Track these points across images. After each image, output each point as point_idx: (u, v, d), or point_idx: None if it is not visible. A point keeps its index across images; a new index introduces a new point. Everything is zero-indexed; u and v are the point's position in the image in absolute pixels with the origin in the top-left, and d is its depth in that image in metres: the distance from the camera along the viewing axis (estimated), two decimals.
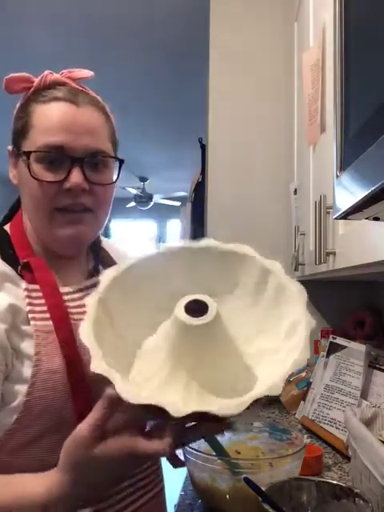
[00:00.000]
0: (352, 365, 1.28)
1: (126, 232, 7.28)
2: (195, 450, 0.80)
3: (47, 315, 0.71)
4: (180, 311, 0.50)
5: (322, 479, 0.75)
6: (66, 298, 0.76)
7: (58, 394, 0.68)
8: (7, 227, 0.81)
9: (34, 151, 0.71)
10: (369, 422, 0.92)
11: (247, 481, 0.71)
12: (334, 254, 1.05)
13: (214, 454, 0.80)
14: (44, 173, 0.72)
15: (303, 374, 1.61)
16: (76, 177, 0.72)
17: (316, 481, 0.74)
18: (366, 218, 0.57)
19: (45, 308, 0.71)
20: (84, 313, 0.66)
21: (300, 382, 1.57)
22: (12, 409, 0.66)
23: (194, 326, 0.49)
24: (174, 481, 1.36)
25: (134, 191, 5.98)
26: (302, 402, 1.48)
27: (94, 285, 0.73)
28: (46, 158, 0.72)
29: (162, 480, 0.87)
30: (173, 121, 4.07)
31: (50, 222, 0.74)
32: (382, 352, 1.31)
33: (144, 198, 6.11)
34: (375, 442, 0.73)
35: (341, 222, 0.99)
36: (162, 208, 6.37)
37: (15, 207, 0.85)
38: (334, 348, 1.38)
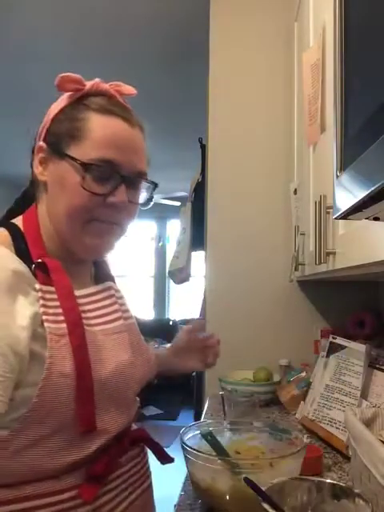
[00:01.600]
0: (352, 365, 1.28)
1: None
2: (195, 450, 0.81)
3: (60, 318, 0.70)
4: None
5: (322, 479, 0.75)
6: (78, 300, 0.76)
7: (65, 398, 0.68)
8: (18, 221, 0.79)
9: (93, 163, 0.73)
10: (369, 422, 0.92)
11: (247, 481, 0.71)
12: (333, 253, 1.05)
13: (214, 454, 0.81)
14: (92, 184, 0.73)
15: (303, 374, 1.61)
16: (123, 194, 0.75)
17: (316, 481, 0.74)
18: (366, 218, 0.57)
19: (58, 310, 0.71)
20: (93, 318, 0.74)
21: (300, 382, 1.57)
22: (20, 407, 0.65)
23: None
24: (174, 481, 1.36)
25: None
26: (301, 402, 1.48)
27: (103, 290, 0.81)
28: (98, 171, 0.73)
29: (149, 475, 0.89)
30: (173, 121, 4.07)
31: (82, 229, 0.75)
32: (382, 352, 1.31)
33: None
34: (375, 442, 0.73)
35: (341, 222, 0.99)
36: (162, 208, 6.36)
37: (23, 202, 0.85)
38: (333, 348, 1.38)
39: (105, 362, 0.74)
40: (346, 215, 0.57)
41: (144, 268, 7.60)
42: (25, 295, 0.68)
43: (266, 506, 0.65)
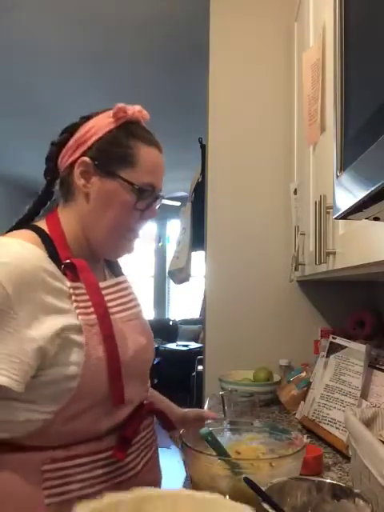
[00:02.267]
0: (352, 365, 1.28)
1: None
2: (195, 450, 0.81)
3: (90, 310, 0.82)
4: None
5: (322, 479, 0.75)
6: (103, 291, 0.88)
7: (102, 377, 0.81)
8: (43, 225, 0.88)
9: (144, 189, 0.89)
10: (369, 422, 0.92)
11: (247, 481, 0.71)
12: (333, 254, 1.05)
13: (214, 454, 0.82)
14: (140, 202, 0.89)
15: (303, 374, 1.61)
16: (156, 211, 0.95)
17: (316, 481, 0.74)
18: (366, 218, 0.57)
19: (88, 304, 0.82)
20: (113, 306, 0.89)
21: (300, 382, 1.57)
22: (68, 384, 0.78)
23: None
24: (173, 481, 1.36)
25: None
26: (302, 402, 1.48)
27: (121, 282, 0.96)
28: (147, 194, 0.90)
29: (156, 439, 1.03)
30: (173, 121, 4.07)
31: (120, 237, 0.91)
32: (382, 352, 1.31)
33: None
34: (375, 442, 0.73)
35: (341, 221, 0.99)
36: (162, 208, 6.36)
37: (41, 204, 0.96)
38: (333, 348, 1.38)
39: (127, 345, 0.87)
40: (345, 215, 0.57)
41: (144, 268, 7.60)
42: (56, 292, 0.79)
43: (266, 506, 0.65)
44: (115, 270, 1.04)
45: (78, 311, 0.81)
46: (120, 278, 0.98)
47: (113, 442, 0.86)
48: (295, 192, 1.77)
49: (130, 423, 0.90)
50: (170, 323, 7.16)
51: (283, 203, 1.91)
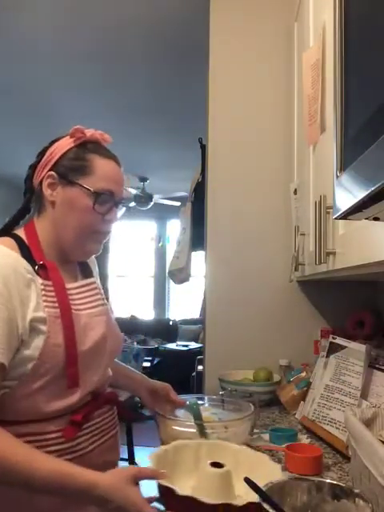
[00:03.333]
0: (352, 365, 1.28)
1: (126, 232, 7.29)
2: (163, 416, 1.13)
3: (55, 304, 0.96)
4: (208, 465, 0.85)
5: (322, 479, 0.75)
6: (70, 291, 1.03)
7: (58, 361, 0.94)
8: (20, 233, 1.03)
9: (101, 193, 1.01)
10: (369, 422, 0.92)
11: (247, 481, 0.71)
12: (333, 254, 1.05)
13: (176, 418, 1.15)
14: (98, 207, 1.02)
15: (303, 374, 1.61)
16: (116, 213, 1.07)
17: (316, 481, 0.74)
18: (366, 218, 0.57)
19: (54, 299, 0.96)
20: (83, 303, 1.04)
21: (300, 382, 1.57)
22: (27, 364, 0.91)
23: (216, 471, 0.84)
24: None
25: (133, 191, 5.98)
26: (301, 402, 1.48)
27: (88, 284, 1.09)
28: (103, 197, 1.02)
29: (116, 427, 1.14)
30: (173, 121, 4.07)
31: (86, 239, 1.04)
32: (382, 352, 1.31)
33: (144, 198, 6.10)
34: (375, 442, 0.73)
35: (341, 222, 0.99)
36: (162, 208, 6.36)
37: (20, 217, 1.10)
38: (334, 348, 1.38)
39: (87, 336, 1.01)
40: (345, 215, 0.57)
41: (144, 268, 7.60)
42: (31, 289, 0.94)
43: (266, 505, 0.65)
44: (86, 272, 1.17)
45: (45, 304, 0.95)
46: (88, 281, 1.11)
47: (63, 425, 0.97)
48: (295, 192, 1.77)
49: (82, 409, 1.01)
50: (170, 323, 7.16)
51: (283, 203, 1.91)
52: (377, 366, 1.26)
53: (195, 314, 6.50)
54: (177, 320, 7.13)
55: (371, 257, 0.76)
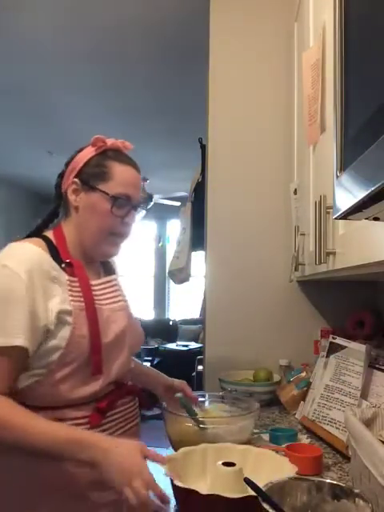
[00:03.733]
0: (352, 365, 1.28)
1: None
2: (170, 412, 1.18)
3: (81, 299, 1.05)
4: (220, 465, 0.88)
5: (322, 479, 0.75)
6: (94, 287, 1.12)
7: (83, 350, 1.03)
8: (49, 235, 1.13)
9: (118, 197, 1.10)
10: (369, 422, 0.92)
11: (248, 481, 0.71)
12: (333, 254, 1.05)
13: (186, 415, 1.18)
14: (116, 210, 1.11)
15: (303, 374, 1.61)
16: (134, 216, 1.15)
17: (316, 481, 0.74)
18: (366, 218, 0.57)
19: (80, 294, 1.06)
20: (106, 298, 1.13)
21: (300, 382, 1.57)
22: (54, 353, 1.00)
23: (229, 470, 0.87)
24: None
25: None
26: (301, 402, 1.48)
27: (110, 281, 1.19)
28: (120, 201, 1.11)
29: (137, 417, 1.23)
30: (173, 121, 4.07)
31: (105, 240, 1.13)
32: (382, 352, 1.31)
33: (144, 198, 6.11)
34: (375, 442, 0.73)
35: (341, 222, 0.99)
36: (162, 208, 6.36)
37: (49, 220, 1.20)
38: (334, 348, 1.38)
39: (110, 329, 1.09)
40: (345, 215, 0.57)
41: (144, 268, 7.60)
42: (58, 284, 1.04)
43: (266, 505, 0.65)
44: (109, 271, 1.26)
45: (70, 298, 1.04)
46: (110, 278, 1.20)
47: (89, 412, 1.06)
48: (295, 192, 1.77)
49: (106, 397, 1.10)
50: (170, 323, 7.16)
51: (283, 203, 1.91)
52: (377, 365, 1.26)
53: (195, 314, 6.49)
54: (177, 320, 7.13)
55: (371, 257, 0.76)
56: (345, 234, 0.97)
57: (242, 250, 1.94)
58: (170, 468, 0.87)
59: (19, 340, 0.94)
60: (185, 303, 7.25)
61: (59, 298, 1.02)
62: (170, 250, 6.68)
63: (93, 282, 1.12)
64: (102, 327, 1.06)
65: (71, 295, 1.04)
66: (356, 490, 0.69)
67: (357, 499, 0.67)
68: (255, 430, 1.28)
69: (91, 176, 1.12)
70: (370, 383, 1.24)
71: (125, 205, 1.11)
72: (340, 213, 0.59)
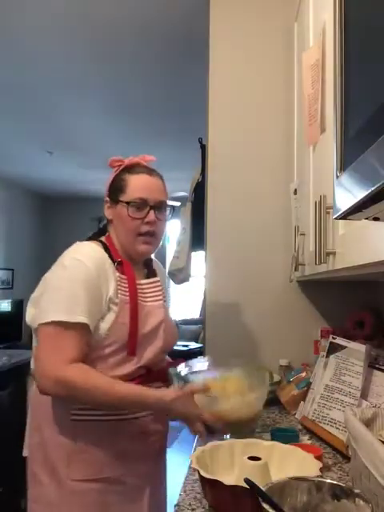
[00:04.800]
0: (352, 365, 1.28)
1: None
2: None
3: (127, 293, 1.24)
4: (246, 459, 0.92)
5: (322, 479, 0.75)
6: (140, 286, 1.30)
7: (123, 335, 1.21)
8: (103, 239, 1.32)
9: (132, 201, 1.27)
10: (369, 422, 0.92)
11: (247, 481, 0.71)
12: (333, 254, 1.05)
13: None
14: (135, 212, 1.27)
15: (303, 374, 1.61)
16: (151, 215, 1.28)
17: (316, 481, 0.74)
18: (366, 218, 0.57)
19: (126, 289, 1.25)
20: (148, 295, 1.32)
21: (300, 382, 1.57)
22: (100, 333, 1.19)
23: (256, 463, 0.91)
24: (174, 481, 1.38)
25: None
26: (301, 402, 1.48)
27: (154, 282, 1.37)
28: (137, 204, 1.27)
29: None
30: (173, 121, 4.07)
31: (135, 240, 1.29)
32: (382, 352, 1.31)
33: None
34: (375, 442, 0.73)
35: (341, 222, 0.99)
36: None
37: (102, 231, 1.39)
38: (334, 348, 1.38)
39: (148, 322, 1.27)
40: (345, 215, 0.57)
41: None
42: (111, 278, 1.23)
43: (265, 505, 0.65)
44: (152, 273, 1.42)
45: (119, 292, 1.23)
46: (154, 279, 1.38)
47: None
48: (295, 192, 1.77)
49: (136, 379, 1.23)
50: None
51: (283, 203, 1.90)
52: (377, 365, 1.26)
53: (195, 314, 6.49)
54: (177, 320, 7.13)
55: (371, 257, 0.76)
56: (345, 234, 0.97)
57: (242, 250, 1.94)
58: (196, 462, 0.93)
59: (82, 318, 1.13)
60: (185, 303, 7.25)
61: (111, 290, 1.21)
62: (170, 250, 6.68)
63: (140, 281, 1.32)
64: (141, 319, 1.24)
65: (120, 289, 1.23)
66: (356, 490, 0.69)
67: (357, 499, 0.67)
68: (256, 430, 1.28)
69: (114, 192, 1.31)
70: (370, 383, 1.24)
71: (141, 207, 1.27)
72: (340, 213, 0.59)
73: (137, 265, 1.36)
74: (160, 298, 1.36)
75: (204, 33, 2.05)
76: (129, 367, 1.23)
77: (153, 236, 1.30)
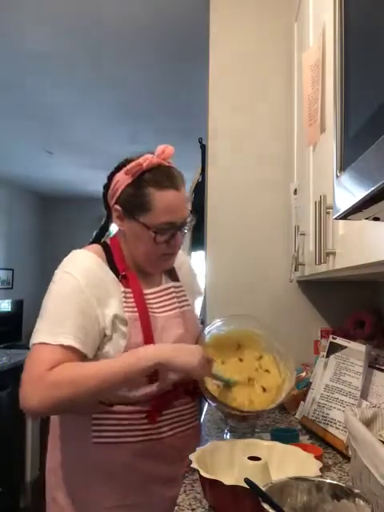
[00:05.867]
0: (352, 365, 1.28)
1: None
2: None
3: (135, 309, 1.11)
4: (246, 459, 0.92)
5: (322, 479, 0.75)
6: (149, 296, 1.17)
7: None
8: (109, 241, 1.20)
9: (158, 227, 1.10)
10: (369, 422, 0.92)
11: (247, 481, 0.71)
12: (333, 254, 1.05)
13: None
14: (160, 238, 1.11)
15: (303, 374, 1.61)
16: (179, 239, 1.16)
17: (316, 481, 0.74)
18: (366, 218, 0.57)
19: (133, 304, 1.11)
20: (160, 306, 1.17)
21: (300, 382, 1.57)
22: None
23: (256, 463, 0.91)
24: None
25: None
26: (301, 402, 1.48)
27: (164, 289, 1.21)
28: (163, 230, 1.11)
29: (199, 418, 1.28)
30: (173, 121, 4.07)
31: (156, 261, 1.17)
32: (382, 352, 1.31)
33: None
34: (375, 442, 0.73)
35: (341, 222, 0.99)
36: None
37: (105, 229, 1.26)
38: (334, 348, 1.38)
39: (165, 337, 1.14)
40: (345, 215, 0.57)
41: None
42: (114, 294, 1.10)
43: (265, 505, 0.65)
44: (173, 276, 1.29)
45: (125, 309, 1.10)
46: (166, 285, 1.23)
47: (147, 407, 1.12)
48: (295, 192, 1.77)
49: (163, 396, 1.14)
50: None
51: (283, 203, 1.90)
52: (377, 365, 1.26)
53: None
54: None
55: (371, 257, 0.76)
56: (345, 234, 0.97)
57: (242, 250, 1.94)
58: (196, 461, 0.93)
59: (65, 339, 1.01)
60: None
61: (114, 307, 1.09)
62: None
63: (147, 291, 1.17)
64: (157, 335, 1.12)
65: (126, 306, 1.10)
66: (356, 490, 0.69)
67: (357, 499, 0.67)
68: (256, 430, 1.28)
69: (131, 205, 1.12)
70: (370, 383, 1.24)
71: (168, 230, 1.12)
72: (340, 213, 0.59)
73: (152, 274, 1.23)
74: (175, 306, 1.21)
75: (204, 33, 2.05)
76: (150, 388, 1.12)
77: (174, 254, 1.20)
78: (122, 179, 1.13)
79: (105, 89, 3.54)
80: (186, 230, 1.19)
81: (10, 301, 5.72)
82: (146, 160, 1.11)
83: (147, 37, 2.79)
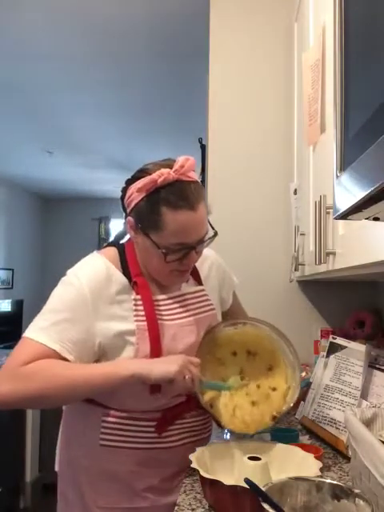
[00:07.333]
0: (352, 365, 1.28)
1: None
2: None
3: (143, 318, 1.07)
4: (247, 459, 0.92)
5: (322, 479, 0.75)
6: (160, 302, 1.12)
7: None
8: (125, 244, 1.17)
9: (168, 248, 1.04)
10: (369, 422, 0.92)
11: (247, 482, 0.71)
12: (333, 254, 1.05)
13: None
14: (170, 257, 1.05)
15: (303, 374, 1.61)
16: (193, 258, 1.10)
17: (316, 481, 0.74)
18: (366, 218, 0.57)
19: (143, 313, 1.07)
20: (172, 314, 1.12)
21: (300, 383, 1.57)
22: None
23: (256, 463, 0.91)
24: None
25: None
26: (301, 402, 1.48)
27: (180, 296, 1.16)
28: (174, 250, 1.05)
29: (210, 430, 1.25)
30: (173, 121, 4.06)
31: (168, 276, 1.11)
32: (382, 352, 1.31)
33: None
34: (375, 442, 0.73)
35: (341, 222, 0.99)
36: None
37: (122, 234, 1.23)
38: (334, 348, 1.38)
39: (176, 346, 1.09)
40: (345, 215, 0.57)
41: None
42: (120, 303, 1.07)
43: (265, 505, 0.65)
44: (197, 279, 1.23)
45: (135, 318, 1.06)
46: (179, 292, 1.17)
47: (156, 417, 1.11)
48: (295, 192, 1.77)
49: (174, 408, 1.12)
50: None
51: (283, 203, 1.91)
52: (377, 365, 1.26)
53: None
54: None
55: (371, 257, 0.76)
56: (345, 234, 0.97)
57: (242, 250, 1.94)
58: (196, 461, 0.93)
59: (54, 345, 1.00)
60: None
61: (121, 319, 1.06)
62: None
63: (159, 297, 1.13)
64: (167, 345, 1.08)
65: (136, 315, 1.07)
66: (356, 490, 0.69)
67: (357, 499, 0.67)
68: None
69: (143, 222, 1.06)
70: (370, 383, 1.24)
71: (179, 251, 1.06)
72: (340, 213, 0.59)
73: None
74: (189, 313, 1.15)
75: (204, 33, 2.05)
76: (153, 402, 1.09)
77: (188, 270, 1.14)
78: (136, 193, 1.06)
79: (105, 89, 3.54)
80: (203, 248, 1.14)
81: (9, 301, 5.72)
82: (162, 176, 1.02)
83: (147, 37, 2.79)
